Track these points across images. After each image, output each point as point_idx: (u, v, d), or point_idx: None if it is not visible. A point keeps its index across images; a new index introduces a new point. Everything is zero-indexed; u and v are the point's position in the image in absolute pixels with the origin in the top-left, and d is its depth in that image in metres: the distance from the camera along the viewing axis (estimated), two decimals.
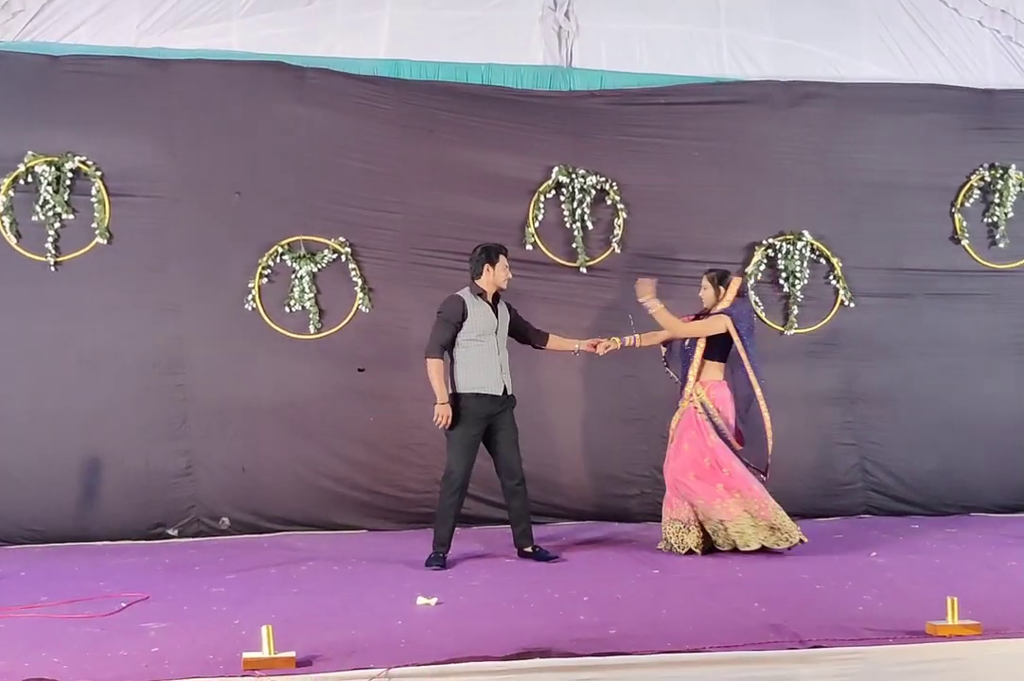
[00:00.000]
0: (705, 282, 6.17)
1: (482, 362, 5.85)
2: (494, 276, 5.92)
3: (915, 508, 7.43)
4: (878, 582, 5.08)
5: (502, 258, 5.95)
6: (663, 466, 6.13)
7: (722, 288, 6.11)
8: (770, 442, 5.99)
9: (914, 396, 7.51)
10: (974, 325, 7.65)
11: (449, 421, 5.78)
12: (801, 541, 5.88)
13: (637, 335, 6.21)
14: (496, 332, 5.91)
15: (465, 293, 5.95)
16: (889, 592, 4.83)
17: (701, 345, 6.02)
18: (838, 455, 7.44)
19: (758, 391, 5.97)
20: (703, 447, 5.94)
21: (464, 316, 5.85)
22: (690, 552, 5.90)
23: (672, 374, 6.30)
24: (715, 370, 6.05)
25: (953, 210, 7.72)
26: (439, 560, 5.74)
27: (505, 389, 5.89)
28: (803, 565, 5.56)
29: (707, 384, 6.02)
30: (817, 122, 7.66)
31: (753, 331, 6.08)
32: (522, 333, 6.13)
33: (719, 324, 6.00)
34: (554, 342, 6.22)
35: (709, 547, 5.95)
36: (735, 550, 5.86)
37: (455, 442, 5.86)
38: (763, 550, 5.87)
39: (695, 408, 6.00)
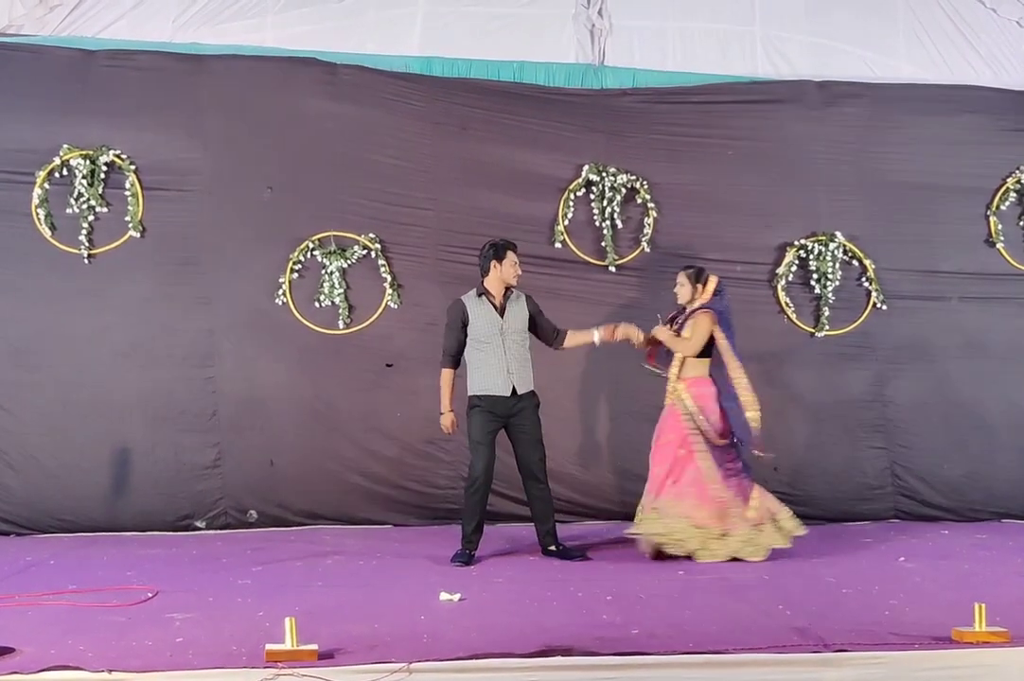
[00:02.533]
0: (682, 279, 6.05)
1: (487, 363, 5.82)
2: (502, 272, 5.88)
3: (945, 513, 7.35)
4: (905, 587, 5.03)
5: (510, 254, 5.90)
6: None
7: (699, 286, 6.02)
8: (754, 424, 5.84)
9: (946, 400, 7.43)
10: (1008, 329, 7.54)
11: (452, 429, 5.91)
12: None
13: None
14: (502, 331, 5.85)
15: (468, 295, 5.93)
16: (916, 597, 4.79)
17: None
18: (868, 459, 7.37)
19: (744, 381, 5.87)
20: (676, 445, 5.88)
21: (465, 320, 5.85)
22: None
23: (659, 371, 6.13)
24: (699, 366, 5.96)
25: (988, 213, 7.62)
26: (463, 557, 5.74)
27: (514, 389, 5.83)
28: (830, 568, 5.52)
29: (688, 381, 5.94)
30: (852, 122, 7.59)
31: (733, 329, 6.00)
32: (539, 332, 6.04)
33: (705, 325, 5.91)
34: (571, 339, 6.05)
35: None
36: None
37: (472, 440, 5.88)
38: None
39: (674, 405, 5.93)
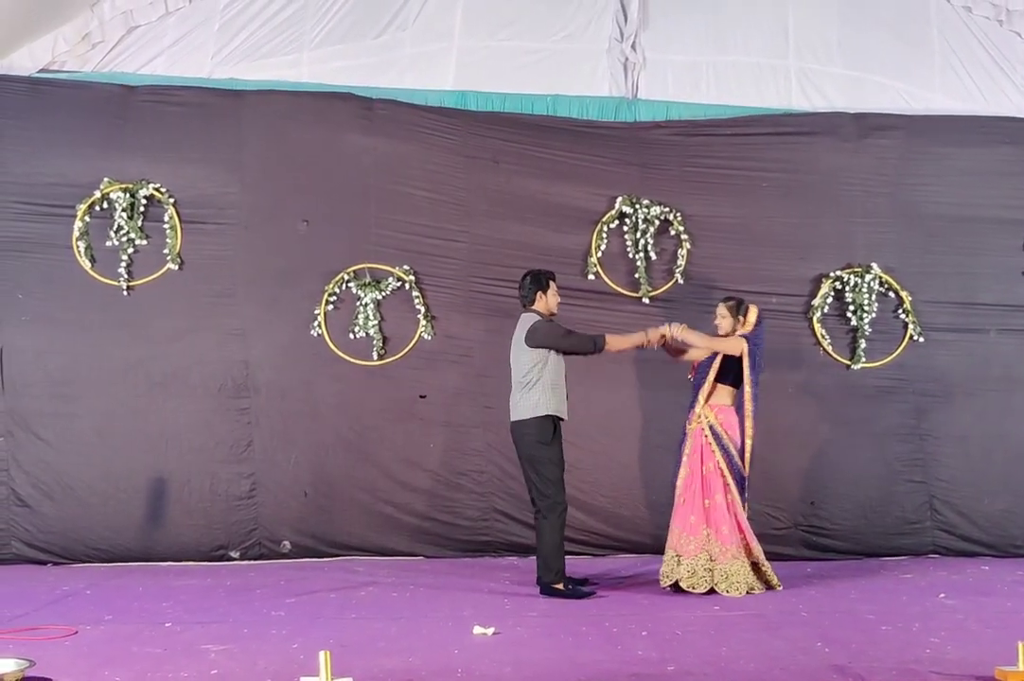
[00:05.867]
0: (723, 311, 6.07)
1: (561, 386, 5.86)
2: (547, 302, 5.92)
3: (985, 549, 7.23)
4: (947, 624, 4.94)
5: (552, 283, 5.96)
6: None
7: (740, 317, 6.03)
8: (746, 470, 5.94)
9: (985, 433, 7.33)
10: None
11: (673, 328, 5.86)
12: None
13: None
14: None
15: (541, 318, 5.88)
16: (958, 635, 4.69)
17: (715, 367, 5.94)
18: (906, 493, 7.27)
19: (748, 422, 5.92)
20: (697, 471, 5.87)
21: None
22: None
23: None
24: (725, 395, 5.96)
25: None
26: (575, 589, 5.72)
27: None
28: (869, 605, 5.43)
29: (716, 407, 5.93)
30: (887, 154, 7.56)
31: (761, 362, 6.01)
32: None
33: (737, 345, 5.92)
34: None
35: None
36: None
37: (555, 464, 5.78)
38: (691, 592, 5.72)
39: (702, 430, 5.90)
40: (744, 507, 5.93)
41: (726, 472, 5.85)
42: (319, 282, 7.14)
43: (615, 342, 5.87)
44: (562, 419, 5.87)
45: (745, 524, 5.90)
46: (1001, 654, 4.01)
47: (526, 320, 5.90)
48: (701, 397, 5.95)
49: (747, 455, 5.94)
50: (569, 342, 5.80)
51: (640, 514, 7.18)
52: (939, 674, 3.91)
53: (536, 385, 5.79)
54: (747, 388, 5.93)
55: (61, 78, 7.21)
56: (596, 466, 7.07)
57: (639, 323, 7.20)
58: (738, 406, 5.98)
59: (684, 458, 5.94)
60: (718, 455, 5.86)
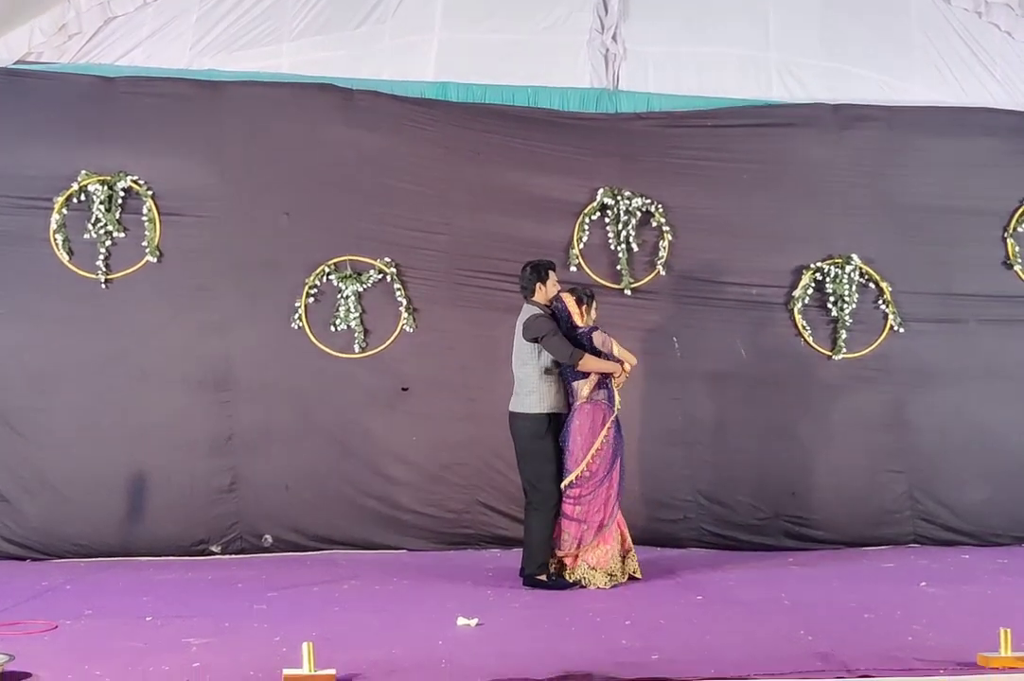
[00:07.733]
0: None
1: (558, 382, 5.84)
2: (547, 292, 5.90)
3: (965, 538, 7.27)
4: (928, 612, 4.98)
5: (552, 274, 5.94)
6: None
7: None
8: None
9: (965, 423, 7.37)
10: None
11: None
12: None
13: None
14: None
15: (539, 311, 5.86)
16: (940, 622, 4.73)
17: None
18: (886, 482, 7.31)
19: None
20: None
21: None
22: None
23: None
24: None
25: (1006, 235, 7.59)
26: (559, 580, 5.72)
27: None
28: (852, 594, 5.46)
29: None
30: (867, 145, 7.58)
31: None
32: None
33: None
34: None
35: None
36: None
37: (548, 459, 5.77)
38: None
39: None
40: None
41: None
42: (300, 274, 7.09)
43: (590, 362, 5.74)
44: (560, 413, 5.85)
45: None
46: (982, 641, 4.04)
47: (525, 312, 5.89)
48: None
49: None
50: (550, 343, 5.74)
51: (626, 506, 7.14)
52: (921, 660, 3.94)
53: (532, 380, 5.81)
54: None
55: (38, 69, 7.10)
56: None
57: (621, 315, 7.22)
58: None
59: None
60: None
